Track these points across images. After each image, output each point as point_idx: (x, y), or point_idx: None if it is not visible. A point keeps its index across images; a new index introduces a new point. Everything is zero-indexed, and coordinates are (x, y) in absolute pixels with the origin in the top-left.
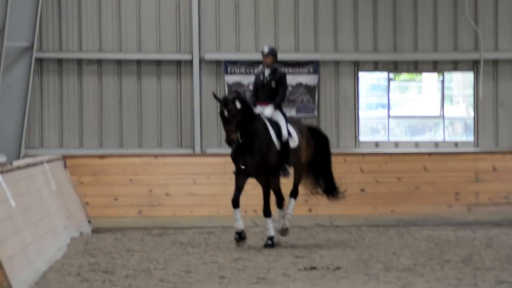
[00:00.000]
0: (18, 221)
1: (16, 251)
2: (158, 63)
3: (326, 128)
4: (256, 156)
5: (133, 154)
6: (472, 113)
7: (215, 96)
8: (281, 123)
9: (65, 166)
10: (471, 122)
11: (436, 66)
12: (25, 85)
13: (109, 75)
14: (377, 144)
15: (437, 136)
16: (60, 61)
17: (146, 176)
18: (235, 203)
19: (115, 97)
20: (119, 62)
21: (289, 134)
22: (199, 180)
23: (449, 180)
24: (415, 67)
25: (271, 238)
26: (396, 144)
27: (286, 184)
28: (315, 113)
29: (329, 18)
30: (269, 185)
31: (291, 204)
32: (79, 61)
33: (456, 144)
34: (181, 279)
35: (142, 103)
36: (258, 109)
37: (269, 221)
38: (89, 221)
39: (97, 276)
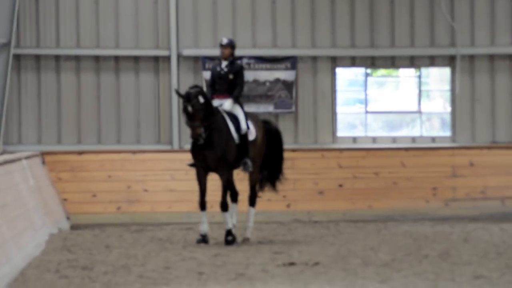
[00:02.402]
0: None
1: None
2: (136, 59)
3: (304, 123)
4: (216, 150)
5: (111, 150)
6: (449, 108)
7: (177, 92)
8: (240, 116)
9: (43, 163)
10: (448, 117)
11: (413, 62)
12: (3, 81)
13: (87, 71)
14: (354, 139)
15: (414, 131)
16: (38, 58)
17: (124, 172)
18: (202, 206)
19: (93, 93)
20: (97, 58)
21: (248, 128)
22: (178, 176)
23: (426, 175)
24: (392, 62)
25: (229, 232)
26: (374, 139)
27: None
28: (293, 108)
29: (306, 13)
30: (230, 179)
31: (251, 216)
32: (57, 57)
33: (433, 139)
34: (160, 275)
35: (120, 99)
36: (215, 102)
37: (227, 215)
38: (67, 218)
39: (76, 272)
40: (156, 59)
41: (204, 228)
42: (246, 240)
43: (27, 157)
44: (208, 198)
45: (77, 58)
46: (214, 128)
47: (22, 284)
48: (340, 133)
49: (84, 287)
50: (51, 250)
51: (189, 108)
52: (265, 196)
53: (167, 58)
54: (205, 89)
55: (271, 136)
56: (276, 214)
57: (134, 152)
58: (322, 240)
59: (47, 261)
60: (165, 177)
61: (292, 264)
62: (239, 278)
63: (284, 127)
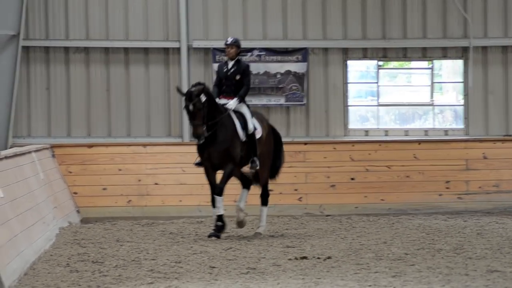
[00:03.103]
0: (6, 211)
1: (4, 241)
2: (146, 50)
3: (316, 116)
4: (219, 146)
5: (121, 143)
6: (462, 101)
7: (178, 90)
8: (246, 115)
9: (53, 156)
10: (461, 110)
11: (425, 54)
12: (12, 74)
13: (97, 63)
14: (366, 132)
15: (427, 123)
16: (47, 49)
17: (134, 166)
18: (219, 194)
19: (102, 85)
20: (106, 50)
21: (255, 128)
22: (188, 170)
23: (439, 168)
24: (404, 54)
25: (220, 218)
26: (386, 132)
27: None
28: (304, 101)
29: (317, 5)
30: (232, 173)
31: (264, 215)
32: (66, 49)
33: (446, 132)
34: (171, 269)
35: (130, 91)
36: (222, 102)
37: (219, 200)
38: (77, 211)
39: (86, 266)
40: (166, 51)
41: (221, 210)
42: (257, 235)
43: (37, 150)
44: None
45: (86, 50)
46: (219, 126)
47: (33, 278)
48: (352, 125)
49: (95, 281)
50: (61, 244)
51: (190, 107)
52: (277, 189)
53: (177, 50)
54: (210, 86)
55: (277, 140)
56: (288, 208)
57: (144, 145)
58: (334, 234)
59: (57, 255)
60: (176, 170)
61: (304, 258)
62: (251, 272)
63: (296, 119)
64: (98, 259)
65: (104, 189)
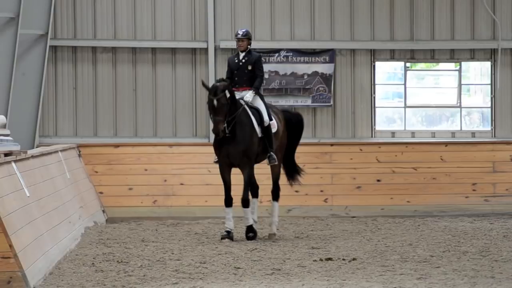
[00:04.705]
0: (32, 211)
1: (30, 240)
2: (173, 51)
3: (342, 117)
4: (239, 145)
5: (148, 143)
6: (489, 103)
7: (204, 84)
8: (261, 108)
9: (79, 155)
10: (488, 112)
11: (453, 55)
12: (40, 73)
13: (124, 63)
14: (393, 134)
15: (454, 126)
16: (74, 49)
17: (161, 166)
18: (228, 202)
19: (129, 85)
20: (133, 50)
21: (270, 120)
22: (214, 170)
23: (466, 170)
24: (432, 56)
25: (250, 228)
26: (413, 133)
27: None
28: (331, 102)
29: (345, 6)
30: (253, 174)
31: (275, 210)
32: (94, 49)
33: (473, 134)
34: (196, 269)
35: (157, 91)
36: (236, 95)
37: (248, 211)
38: (103, 211)
39: (111, 266)
40: (193, 51)
41: (230, 224)
42: (272, 236)
43: (63, 150)
44: (234, 192)
45: (113, 49)
46: (237, 123)
47: (58, 277)
48: (379, 127)
49: (120, 281)
50: (87, 243)
51: (215, 102)
52: (303, 190)
53: (205, 50)
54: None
55: (291, 125)
56: (314, 209)
57: (170, 145)
58: (360, 235)
59: (82, 255)
60: (202, 170)
61: (329, 259)
62: (276, 273)
63: (322, 121)
64: (123, 259)
65: (130, 189)
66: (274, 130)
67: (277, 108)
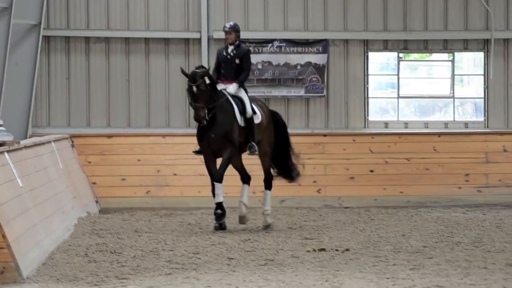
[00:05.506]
0: (25, 201)
1: (23, 231)
2: (166, 41)
3: (335, 108)
4: (218, 130)
5: (141, 134)
6: (482, 93)
7: (183, 72)
8: (244, 99)
9: (72, 146)
10: (481, 102)
11: (446, 46)
12: (32, 63)
13: (117, 53)
14: (386, 124)
15: (447, 116)
16: (67, 39)
17: (154, 156)
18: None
19: (122, 75)
20: (127, 40)
21: (253, 111)
22: None
23: (459, 161)
24: (425, 46)
25: (219, 205)
26: (406, 124)
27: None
28: (324, 93)
29: None
30: (231, 158)
31: (267, 199)
32: (87, 39)
33: (466, 124)
34: (189, 260)
35: (150, 82)
36: (220, 87)
37: (219, 186)
38: (96, 201)
39: (104, 256)
40: (186, 41)
41: (220, 198)
42: (267, 227)
43: (56, 140)
44: (225, 183)
45: (107, 40)
46: (219, 110)
47: (51, 267)
48: (372, 117)
49: (113, 271)
50: (80, 234)
51: (194, 89)
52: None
53: (198, 41)
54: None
55: (279, 128)
56: (307, 200)
57: (163, 135)
58: (353, 226)
59: (76, 245)
60: (195, 161)
61: (322, 250)
62: (269, 264)
63: (315, 111)
64: (116, 250)
65: (123, 179)
66: (257, 121)
67: (262, 102)
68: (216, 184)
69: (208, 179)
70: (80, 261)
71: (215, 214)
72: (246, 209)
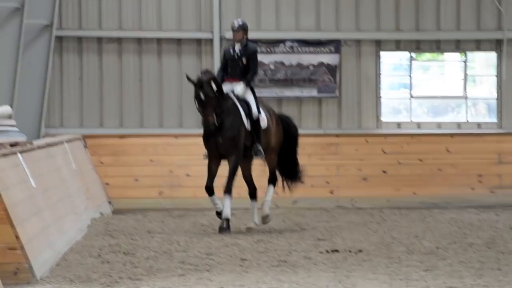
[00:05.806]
0: (38, 202)
1: (36, 231)
2: (179, 41)
3: (348, 108)
4: (225, 134)
5: (153, 134)
6: (495, 94)
7: (188, 78)
8: (251, 101)
9: (85, 146)
10: (494, 103)
11: (458, 46)
12: (45, 63)
13: (129, 53)
14: (399, 124)
15: (460, 117)
16: (80, 39)
17: (166, 157)
18: (209, 191)
19: (135, 76)
20: (139, 40)
21: (259, 113)
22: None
23: (472, 162)
24: (438, 46)
25: (227, 220)
26: (418, 124)
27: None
28: (337, 93)
29: None
30: (238, 165)
31: (269, 191)
32: (99, 39)
33: (479, 125)
34: (202, 261)
35: (162, 82)
36: (226, 86)
37: (227, 200)
38: (109, 202)
39: (117, 257)
40: (198, 41)
41: (220, 207)
42: (265, 218)
43: (69, 141)
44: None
45: (119, 40)
46: (226, 115)
47: (64, 268)
48: (384, 118)
49: (126, 272)
50: (93, 234)
51: (202, 96)
52: (308, 182)
53: (210, 41)
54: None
55: (289, 132)
56: (320, 201)
57: (176, 136)
58: (366, 227)
59: (89, 246)
60: None
61: (335, 251)
62: (282, 265)
63: (328, 111)
64: (130, 251)
65: (136, 180)
66: (264, 125)
67: (269, 105)
68: (226, 197)
69: (220, 180)
70: (93, 262)
71: (220, 228)
72: (255, 225)
